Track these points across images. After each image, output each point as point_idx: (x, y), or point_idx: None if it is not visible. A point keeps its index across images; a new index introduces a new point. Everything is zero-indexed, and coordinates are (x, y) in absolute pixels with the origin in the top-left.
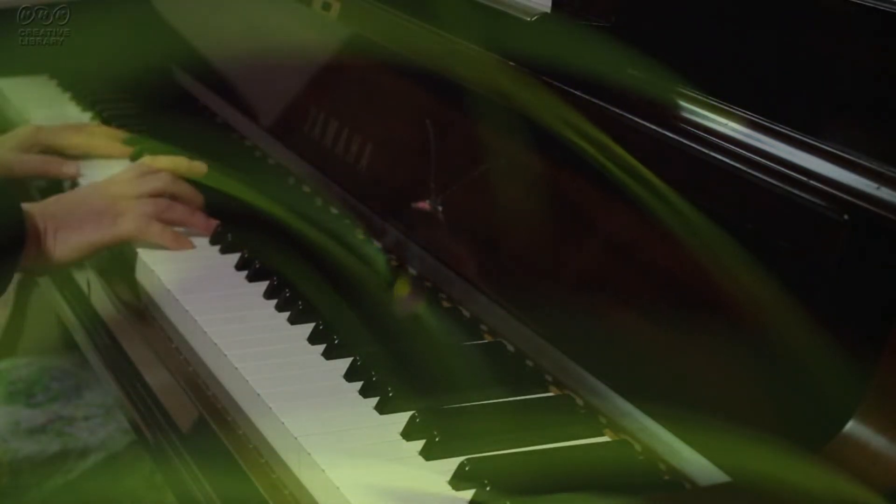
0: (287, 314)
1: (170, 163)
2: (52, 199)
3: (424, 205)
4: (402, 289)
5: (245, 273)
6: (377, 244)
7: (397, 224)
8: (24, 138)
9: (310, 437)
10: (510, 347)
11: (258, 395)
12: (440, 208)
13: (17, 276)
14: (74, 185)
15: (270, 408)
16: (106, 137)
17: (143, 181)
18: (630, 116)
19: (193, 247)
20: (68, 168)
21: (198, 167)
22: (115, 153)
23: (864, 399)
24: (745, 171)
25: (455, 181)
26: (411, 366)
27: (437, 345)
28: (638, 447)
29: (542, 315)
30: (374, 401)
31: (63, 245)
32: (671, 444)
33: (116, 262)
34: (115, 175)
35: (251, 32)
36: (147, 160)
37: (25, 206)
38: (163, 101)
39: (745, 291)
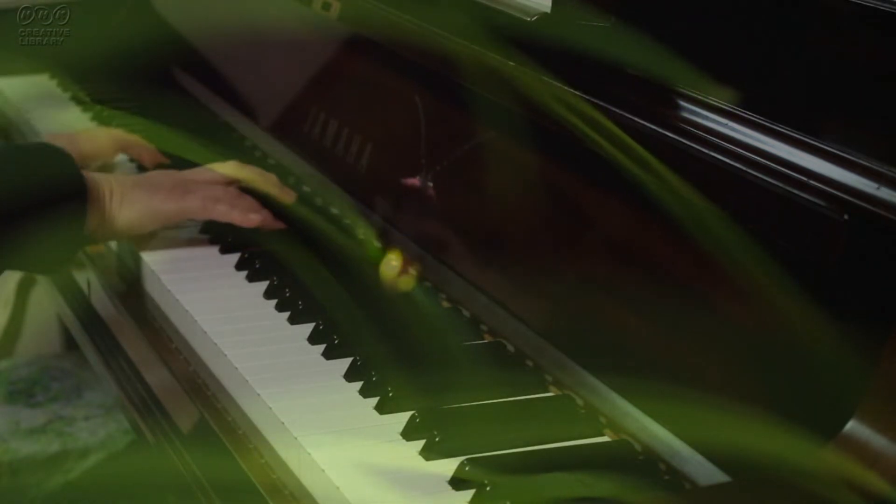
0: (287, 314)
1: (261, 179)
2: (119, 174)
3: (423, 200)
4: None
5: (245, 273)
6: (378, 244)
7: (397, 224)
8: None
9: (310, 437)
10: (510, 347)
11: (258, 395)
12: (440, 207)
13: (17, 277)
14: None
15: (270, 408)
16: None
17: (216, 171)
18: (630, 116)
19: (263, 220)
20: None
21: (287, 194)
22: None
23: (864, 399)
24: (745, 171)
25: (456, 181)
26: (411, 366)
27: (436, 345)
28: (638, 447)
29: (542, 315)
30: (374, 401)
31: (128, 210)
32: (671, 444)
33: (117, 262)
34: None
35: (251, 32)
36: (235, 168)
37: (90, 173)
38: (163, 100)
39: (745, 292)
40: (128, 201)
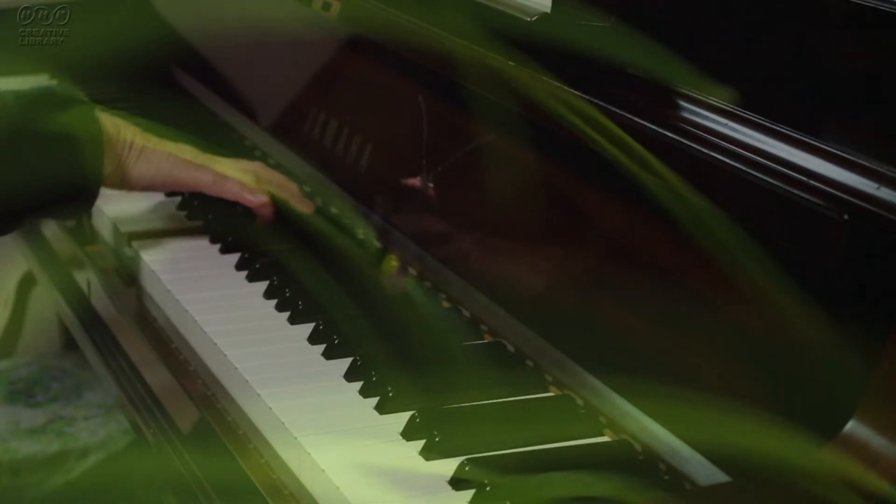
0: (287, 314)
1: (282, 181)
2: (142, 131)
3: (424, 200)
4: (391, 266)
5: (245, 273)
6: (378, 244)
7: (397, 224)
8: (246, 171)
9: (310, 437)
10: (510, 347)
11: (258, 395)
12: (440, 207)
13: (17, 277)
14: None
15: (270, 408)
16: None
17: (240, 163)
18: (630, 116)
19: (267, 202)
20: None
21: (306, 205)
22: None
23: (864, 399)
24: (745, 171)
25: (456, 181)
26: (411, 366)
27: (437, 345)
28: (638, 447)
29: (542, 315)
30: (374, 401)
31: (144, 165)
32: (671, 444)
33: (117, 262)
34: None
35: (251, 32)
36: (260, 167)
37: (112, 119)
38: (163, 100)
39: (745, 292)
40: (145, 156)
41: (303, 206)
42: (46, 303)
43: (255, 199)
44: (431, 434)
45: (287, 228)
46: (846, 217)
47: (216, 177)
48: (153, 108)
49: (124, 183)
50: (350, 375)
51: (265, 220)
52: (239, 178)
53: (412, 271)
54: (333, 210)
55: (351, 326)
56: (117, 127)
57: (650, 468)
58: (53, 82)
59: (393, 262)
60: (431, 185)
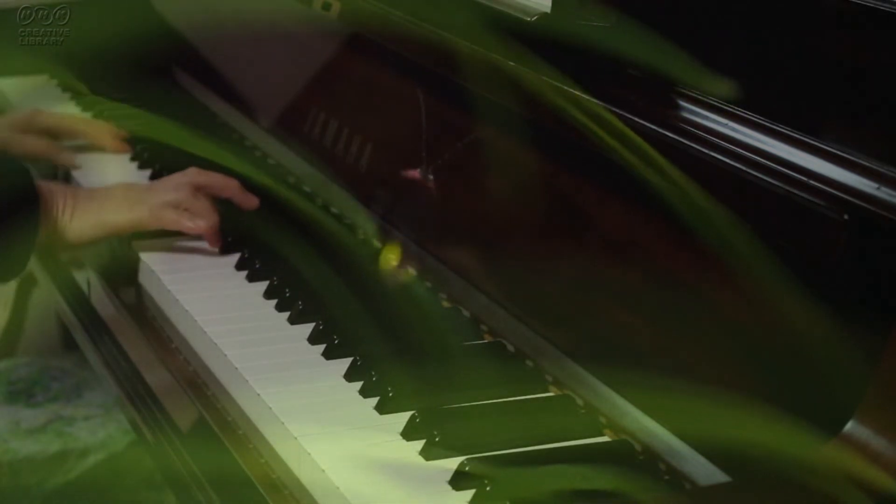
0: (287, 314)
1: (221, 182)
2: (75, 186)
3: (424, 200)
4: (390, 257)
5: (245, 273)
6: (378, 244)
7: (398, 223)
8: (22, 120)
9: (309, 437)
10: (510, 347)
11: (258, 394)
12: (440, 208)
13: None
14: (68, 175)
15: (270, 408)
16: (106, 132)
17: (176, 179)
18: (630, 116)
19: (209, 227)
20: (66, 156)
21: (249, 200)
22: (113, 148)
23: (864, 399)
24: (745, 171)
25: (456, 181)
26: (411, 366)
27: (437, 345)
28: (638, 447)
29: (542, 315)
30: (374, 401)
31: (78, 221)
32: (671, 444)
33: (116, 262)
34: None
35: (251, 32)
36: (195, 174)
37: (43, 182)
38: (163, 100)
39: (745, 292)
40: (78, 213)
41: (246, 202)
42: (46, 303)
43: (195, 225)
44: (431, 434)
45: (285, 229)
46: (846, 217)
47: (152, 211)
48: (153, 107)
49: (63, 245)
50: (350, 375)
51: (213, 243)
52: (173, 200)
53: (412, 271)
54: (333, 210)
55: (351, 326)
56: (50, 192)
57: (650, 468)
58: (53, 82)
59: (392, 255)
60: (432, 185)
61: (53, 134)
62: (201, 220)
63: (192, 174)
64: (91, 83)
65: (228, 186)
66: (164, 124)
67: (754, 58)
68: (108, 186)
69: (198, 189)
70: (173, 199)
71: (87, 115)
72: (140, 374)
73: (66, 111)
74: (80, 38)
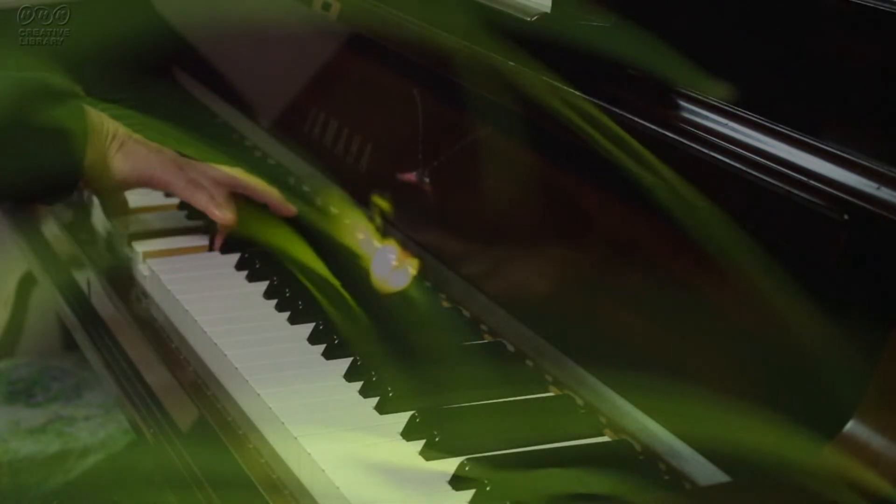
0: (287, 314)
1: (262, 187)
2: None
3: (424, 200)
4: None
5: (245, 273)
6: (378, 244)
7: (398, 223)
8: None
9: (309, 437)
10: (510, 347)
11: (258, 394)
12: (440, 208)
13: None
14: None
15: (270, 407)
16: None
17: (222, 173)
18: (630, 116)
19: (234, 220)
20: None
21: (287, 209)
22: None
23: (864, 399)
24: (745, 171)
25: (456, 181)
26: (411, 366)
27: (437, 345)
28: (638, 447)
29: (542, 315)
30: (374, 401)
31: (122, 159)
32: (671, 444)
33: (117, 262)
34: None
35: (251, 32)
36: (240, 173)
37: (95, 111)
38: (163, 100)
39: (745, 292)
40: (125, 151)
41: (283, 210)
42: (46, 303)
43: (221, 215)
44: (431, 434)
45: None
46: (846, 217)
47: (189, 183)
48: (154, 107)
49: (103, 174)
50: (350, 375)
51: (218, 243)
52: (212, 181)
53: (412, 271)
54: (334, 210)
55: (351, 326)
56: (101, 119)
57: (650, 468)
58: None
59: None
60: (432, 185)
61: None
62: (229, 213)
63: (239, 172)
64: (91, 84)
65: (269, 192)
66: (165, 130)
67: (754, 58)
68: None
69: (237, 187)
70: (209, 184)
71: None
72: (140, 374)
73: None
74: (80, 38)
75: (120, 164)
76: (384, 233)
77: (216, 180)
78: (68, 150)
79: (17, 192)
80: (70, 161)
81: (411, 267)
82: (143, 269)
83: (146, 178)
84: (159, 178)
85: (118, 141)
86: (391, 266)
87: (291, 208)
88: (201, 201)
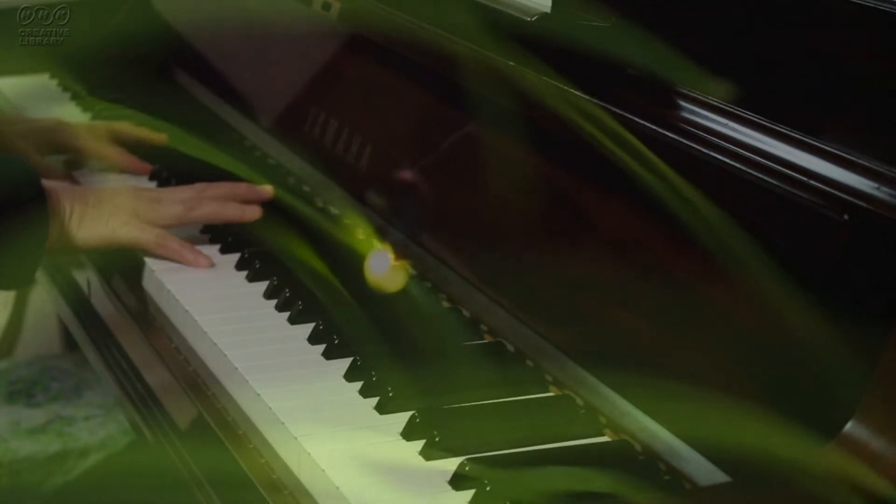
0: (287, 314)
1: (227, 191)
2: (82, 187)
3: (424, 200)
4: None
5: (245, 273)
6: (378, 244)
7: (397, 223)
8: (43, 133)
9: (309, 437)
10: (510, 347)
11: (258, 394)
12: (440, 207)
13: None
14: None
15: (270, 407)
16: (124, 152)
17: (179, 195)
18: (630, 116)
19: (210, 264)
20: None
21: (158, 137)
22: (131, 168)
23: (864, 399)
24: (744, 171)
25: (456, 181)
26: (411, 366)
27: (437, 345)
28: (638, 447)
29: (542, 315)
30: (374, 401)
31: (86, 230)
32: (671, 444)
33: (117, 262)
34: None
35: (251, 32)
36: (201, 187)
37: (52, 184)
38: (163, 100)
39: (745, 292)
40: (87, 221)
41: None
42: (46, 303)
43: (195, 259)
44: (431, 434)
45: (286, 229)
46: (846, 217)
47: (158, 238)
48: (153, 107)
49: (69, 250)
50: (350, 375)
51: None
52: (178, 214)
53: (412, 271)
54: (334, 210)
55: (351, 326)
56: (59, 198)
57: (650, 468)
58: (53, 82)
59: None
60: (432, 185)
61: (71, 151)
62: (202, 257)
63: (200, 188)
64: (90, 83)
65: (235, 192)
66: (165, 130)
67: (754, 58)
68: (116, 192)
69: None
70: (178, 214)
71: (87, 116)
72: (140, 374)
73: (66, 111)
74: (80, 38)
75: (84, 237)
76: (383, 235)
77: (183, 202)
78: (29, 233)
79: None
80: (32, 244)
81: (404, 270)
82: (143, 269)
83: (114, 245)
84: (125, 242)
85: (78, 212)
86: (386, 268)
87: (267, 189)
88: (174, 253)
